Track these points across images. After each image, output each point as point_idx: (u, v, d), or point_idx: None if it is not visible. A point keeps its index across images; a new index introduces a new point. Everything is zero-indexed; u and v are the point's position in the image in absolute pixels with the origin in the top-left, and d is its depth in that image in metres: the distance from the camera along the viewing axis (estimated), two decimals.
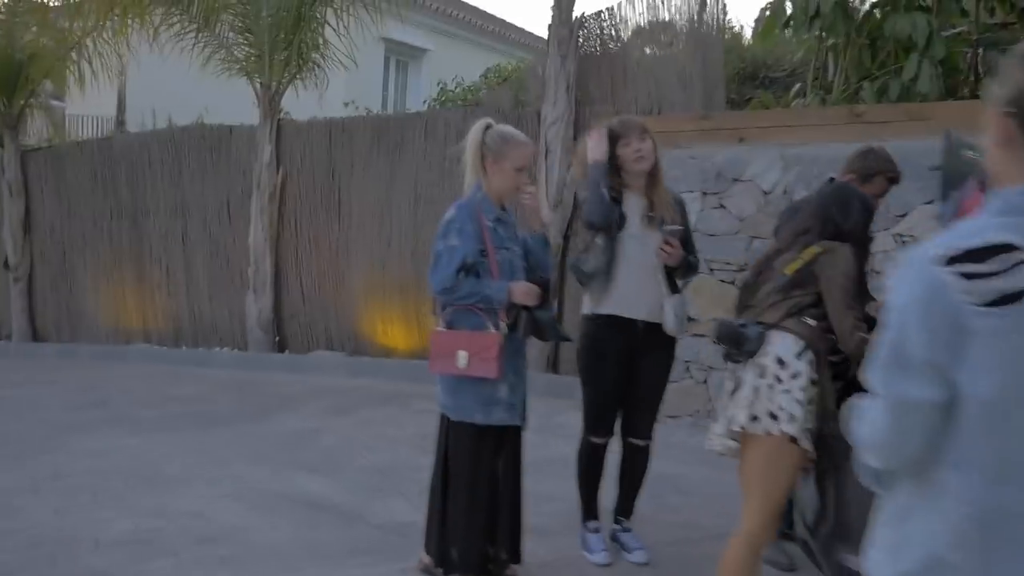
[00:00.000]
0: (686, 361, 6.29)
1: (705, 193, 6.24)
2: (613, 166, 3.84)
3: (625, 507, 4.05)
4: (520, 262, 3.48)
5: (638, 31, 7.17)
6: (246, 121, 9.70)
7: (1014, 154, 1.34)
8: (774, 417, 2.92)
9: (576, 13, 7.28)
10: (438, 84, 11.13)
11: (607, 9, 7.31)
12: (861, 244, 3.18)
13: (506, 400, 3.40)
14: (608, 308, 3.77)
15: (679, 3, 7.07)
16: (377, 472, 5.17)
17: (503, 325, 3.33)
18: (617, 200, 3.77)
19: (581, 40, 7.34)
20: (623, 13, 7.30)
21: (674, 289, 3.85)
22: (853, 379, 3.26)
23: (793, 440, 2.92)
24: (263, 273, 9.29)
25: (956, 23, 6.28)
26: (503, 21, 15.65)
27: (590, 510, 4.00)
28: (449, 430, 3.46)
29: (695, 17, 6.97)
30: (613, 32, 7.33)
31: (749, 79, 7.60)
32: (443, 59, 13.34)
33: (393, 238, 8.79)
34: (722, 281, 6.22)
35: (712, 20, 6.95)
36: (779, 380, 2.95)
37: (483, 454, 3.41)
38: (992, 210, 1.35)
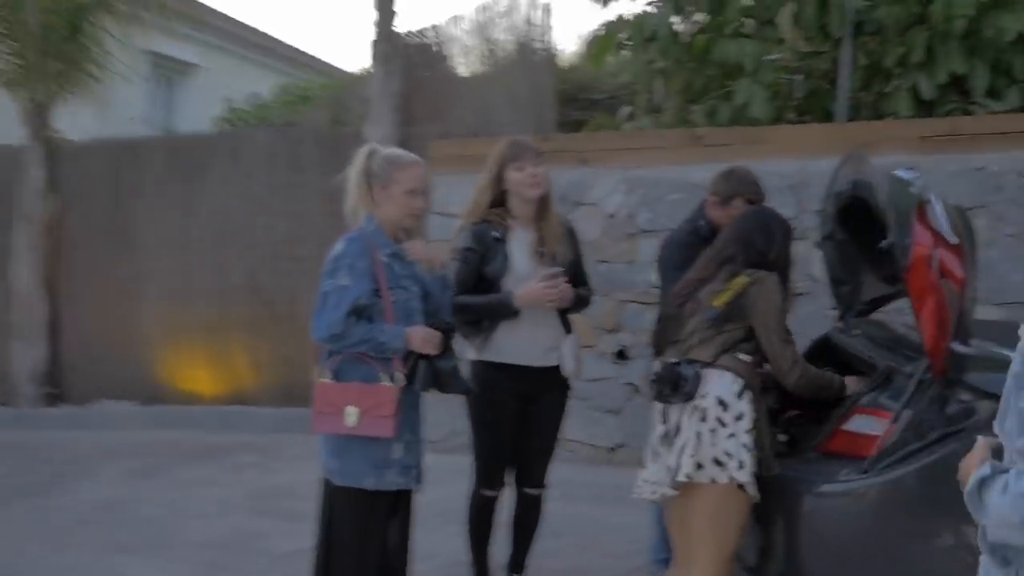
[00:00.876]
0: None
1: None
2: (499, 192, 3.51)
3: (518, 561, 3.70)
4: (418, 304, 3.05)
5: (465, 49, 6.89)
6: (11, 141, 8.45)
7: None
8: (720, 464, 2.68)
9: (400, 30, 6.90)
10: (226, 101, 10.29)
11: (432, 26, 6.98)
12: (784, 271, 3.03)
13: (401, 461, 2.95)
14: (500, 356, 3.43)
15: (505, 22, 6.86)
16: (213, 547, 4.47)
17: (399, 376, 2.89)
18: (501, 239, 3.44)
19: (406, 58, 6.95)
20: (448, 31, 6.99)
21: (568, 328, 3.56)
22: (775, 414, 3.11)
23: (739, 486, 2.70)
24: (35, 318, 8.08)
25: (772, 50, 6.47)
26: (277, 39, 14.87)
27: (482, 570, 3.62)
28: (334, 496, 2.96)
29: (522, 37, 6.78)
30: (439, 50, 7.01)
31: (570, 101, 7.50)
32: (214, 76, 12.38)
33: (195, 273, 7.91)
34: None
35: (540, 41, 6.79)
36: (722, 424, 2.72)
37: (373, 523, 2.95)
38: None
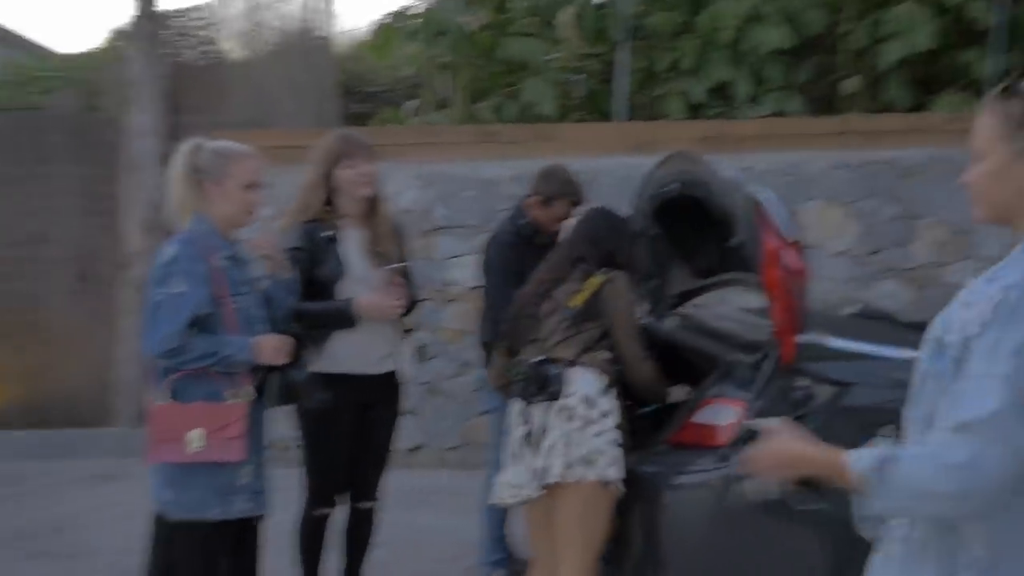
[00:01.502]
0: None
1: None
2: (328, 189, 3.30)
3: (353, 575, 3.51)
4: (259, 311, 2.78)
5: (237, 33, 6.45)
6: None
7: None
8: (589, 462, 2.68)
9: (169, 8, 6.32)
10: None
11: (196, 7, 6.45)
12: (633, 269, 3.09)
13: (250, 486, 2.69)
14: (336, 366, 3.20)
15: (281, 6, 6.50)
16: None
17: (248, 391, 2.62)
18: (333, 239, 3.24)
19: (172, 40, 6.38)
20: (218, 13, 6.50)
21: (403, 330, 3.42)
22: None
23: (606, 483, 2.72)
24: None
25: (552, 50, 6.63)
26: None
27: None
28: (172, 533, 2.64)
29: (301, 23, 6.46)
30: (207, 33, 6.49)
31: (348, 93, 7.27)
32: None
33: None
34: None
35: (320, 28, 6.50)
36: (590, 422, 2.73)
37: (219, 557, 2.66)
38: None
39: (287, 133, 6.11)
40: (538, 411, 2.79)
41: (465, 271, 5.70)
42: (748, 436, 2.56)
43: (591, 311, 2.87)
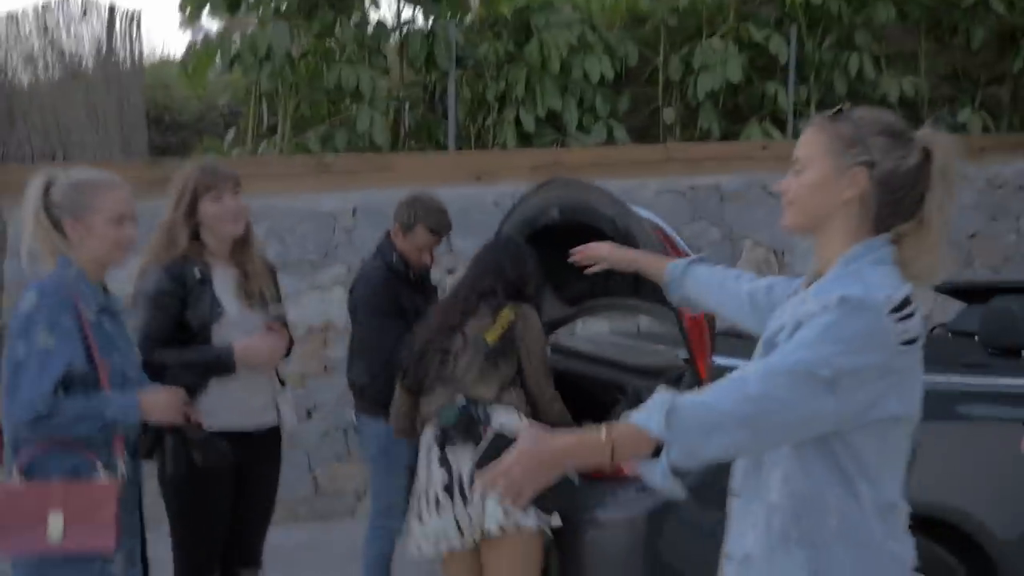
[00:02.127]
0: None
1: None
2: (193, 225, 2.97)
3: None
4: (137, 372, 2.42)
5: (29, 57, 5.77)
6: None
7: (867, 210, 1.61)
8: (526, 508, 2.54)
9: None
10: None
11: None
12: (537, 301, 2.99)
13: None
14: (211, 422, 2.83)
15: (80, 29, 5.89)
16: None
17: (123, 464, 2.26)
18: (205, 280, 2.92)
19: None
20: (3, 33, 5.79)
21: (281, 380, 3.13)
22: None
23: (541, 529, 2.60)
24: None
25: (378, 79, 6.45)
26: None
27: None
28: None
29: (103, 47, 5.88)
30: None
31: (152, 123, 6.70)
32: None
33: None
34: None
35: (127, 52, 5.94)
36: None
37: None
38: (874, 260, 1.59)
39: (118, 167, 5.54)
40: (460, 456, 2.61)
41: (306, 310, 5.38)
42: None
43: (505, 346, 2.74)
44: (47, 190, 2.36)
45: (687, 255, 2.82)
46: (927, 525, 2.81)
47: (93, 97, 5.86)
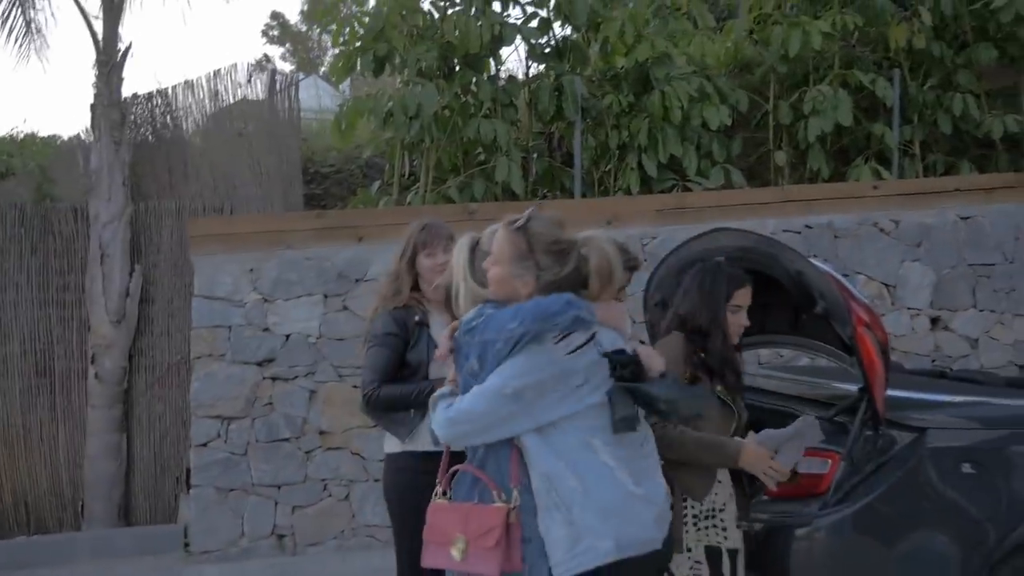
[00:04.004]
0: (323, 480, 5.75)
1: (327, 296, 5.85)
2: (413, 276, 3.45)
3: None
4: None
5: (199, 118, 6.43)
6: None
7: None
8: None
9: (127, 94, 6.22)
10: None
11: (158, 92, 6.40)
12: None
13: None
14: (423, 444, 3.23)
15: (246, 89, 6.54)
16: None
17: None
18: (423, 323, 3.37)
19: (134, 125, 6.28)
20: (180, 98, 6.47)
21: None
22: None
23: None
24: None
25: (510, 131, 6.94)
26: None
27: None
28: None
29: (267, 106, 6.51)
30: (169, 119, 6.44)
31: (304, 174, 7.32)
32: None
33: None
34: (354, 387, 5.87)
35: (284, 109, 6.56)
36: None
37: None
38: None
39: (287, 217, 6.12)
40: None
41: None
42: None
43: None
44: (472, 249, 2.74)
45: (864, 304, 3.20)
46: None
47: (255, 153, 6.47)
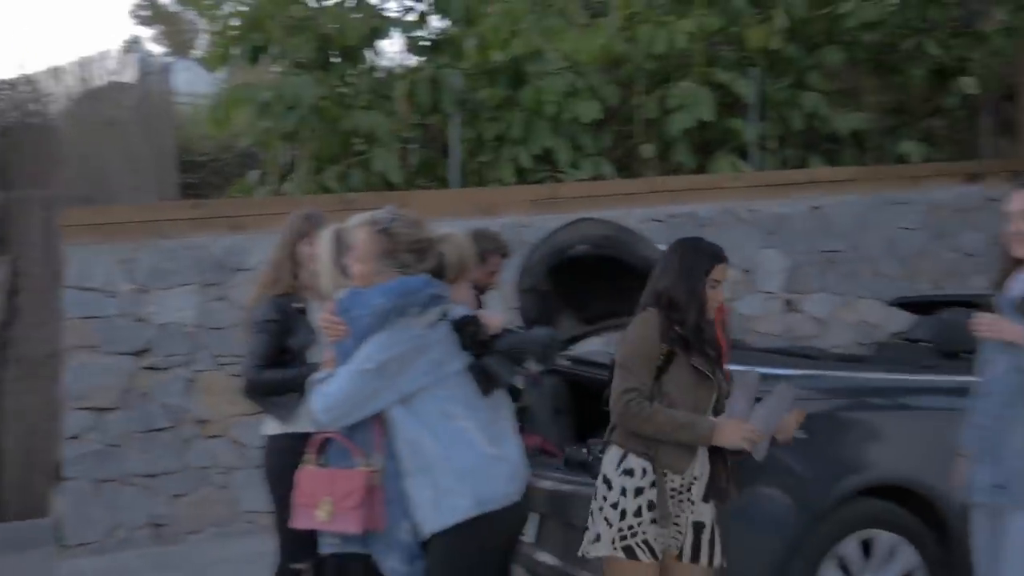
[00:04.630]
0: (202, 468, 5.77)
1: (205, 285, 5.85)
2: (294, 264, 3.57)
3: None
4: None
5: (70, 106, 6.29)
6: None
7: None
8: None
9: None
10: None
11: (24, 78, 6.23)
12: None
13: None
14: (303, 426, 3.31)
15: (117, 75, 6.43)
16: None
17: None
18: (303, 310, 3.50)
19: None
20: (47, 84, 6.31)
21: None
22: None
23: None
24: None
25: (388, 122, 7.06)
26: None
27: None
28: None
29: (138, 91, 6.43)
30: (36, 106, 6.27)
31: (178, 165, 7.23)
32: None
33: None
34: (233, 375, 5.90)
35: (157, 94, 6.49)
36: None
37: None
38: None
39: (163, 206, 6.06)
40: None
41: None
42: None
43: None
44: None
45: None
46: (898, 493, 3.55)
47: (129, 142, 6.39)
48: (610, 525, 2.82)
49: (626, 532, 2.80)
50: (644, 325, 2.93)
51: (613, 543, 2.80)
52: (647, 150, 7.52)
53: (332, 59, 6.76)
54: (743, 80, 7.63)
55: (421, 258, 2.58)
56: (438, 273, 2.63)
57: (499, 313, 2.81)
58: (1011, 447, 2.91)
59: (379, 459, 2.53)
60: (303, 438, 3.28)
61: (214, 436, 5.79)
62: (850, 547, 3.47)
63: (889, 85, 8.63)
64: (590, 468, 3.19)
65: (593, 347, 4.89)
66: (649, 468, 2.84)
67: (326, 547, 2.64)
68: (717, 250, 3.08)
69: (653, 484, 2.83)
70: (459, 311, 2.63)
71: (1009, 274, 3.02)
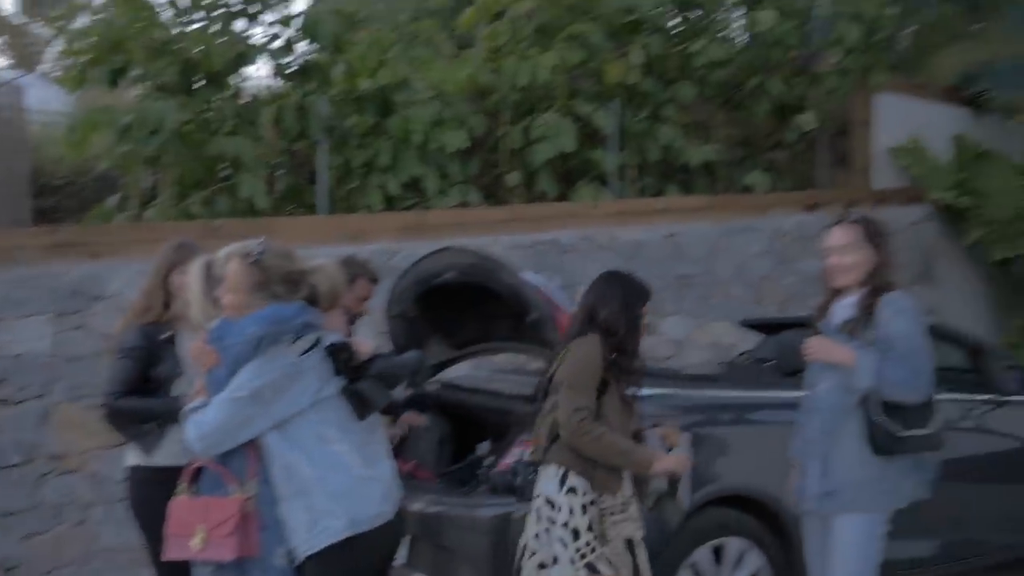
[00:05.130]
0: (57, 504, 5.55)
1: (60, 314, 5.65)
2: (166, 294, 3.55)
3: None
4: None
5: None
6: None
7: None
8: None
9: None
10: None
11: None
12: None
13: None
14: (165, 459, 3.35)
15: None
16: None
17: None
18: (171, 340, 3.50)
19: None
20: None
21: None
22: None
23: None
24: None
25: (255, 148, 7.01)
26: None
27: None
28: None
29: None
30: None
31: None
32: None
33: None
34: (90, 407, 5.70)
35: (8, 113, 6.24)
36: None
37: None
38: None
39: (15, 233, 5.81)
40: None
41: None
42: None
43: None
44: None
45: (566, 312, 3.71)
46: (741, 501, 3.83)
47: None
48: (565, 546, 2.88)
49: (585, 550, 2.88)
50: (590, 347, 3.04)
51: (573, 563, 2.87)
52: (512, 178, 7.76)
53: (196, 83, 6.67)
54: (603, 112, 7.99)
55: (294, 289, 2.66)
56: (311, 302, 2.71)
57: (370, 339, 2.91)
58: (838, 459, 3.21)
59: (253, 486, 2.58)
60: (166, 470, 3.27)
61: (70, 471, 5.58)
62: (703, 554, 3.73)
63: (736, 120, 9.20)
64: (520, 491, 3.21)
65: (461, 372, 5.03)
66: (588, 487, 2.95)
67: None
68: (648, 288, 3.27)
69: (593, 502, 2.94)
70: (332, 338, 2.72)
71: (830, 302, 3.35)
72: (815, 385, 3.37)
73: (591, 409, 2.95)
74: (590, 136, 8.24)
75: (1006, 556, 4.93)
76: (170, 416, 3.32)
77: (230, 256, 2.72)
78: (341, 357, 2.64)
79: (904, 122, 9.21)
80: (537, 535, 2.96)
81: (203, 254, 3.60)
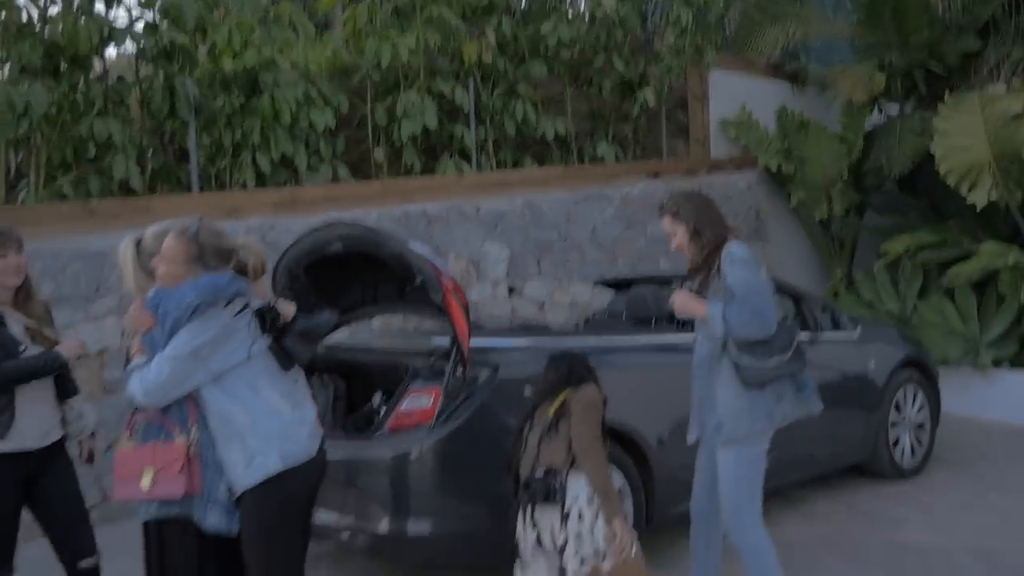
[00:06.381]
0: None
1: None
2: None
3: None
4: None
5: None
6: None
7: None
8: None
9: None
10: None
11: None
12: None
13: None
14: (15, 444, 3.40)
15: None
16: None
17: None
18: (2, 322, 3.47)
19: None
20: None
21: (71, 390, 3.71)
22: None
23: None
24: None
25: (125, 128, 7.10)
26: None
27: None
28: None
29: None
30: None
31: None
32: None
33: None
34: None
35: None
36: None
37: None
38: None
39: None
40: (545, 516, 3.36)
41: (84, 338, 6.00)
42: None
43: (560, 416, 3.46)
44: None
45: (450, 277, 4.19)
46: (612, 435, 4.44)
47: None
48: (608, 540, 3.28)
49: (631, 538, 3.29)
50: (593, 393, 3.54)
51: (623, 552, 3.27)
52: (379, 154, 8.14)
53: (59, 67, 6.71)
54: (461, 90, 8.46)
55: (224, 262, 3.04)
56: (240, 273, 3.10)
57: (291, 304, 3.31)
58: (719, 398, 3.71)
59: (194, 432, 2.96)
60: (11, 458, 3.34)
61: None
62: None
63: (585, 95, 9.88)
64: (553, 495, 3.41)
65: (343, 335, 5.44)
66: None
67: (145, 515, 3.02)
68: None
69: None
70: (258, 303, 3.12)
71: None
72: (697, 334, 3.89)
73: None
74: (451, 113, 8.70)
75: (827, 468, 5.85)
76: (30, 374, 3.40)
77: (168, 232, 3.05)
78: (268, 318, 3.04)
79: (735, 96, 10.15)
80: (579, 534, 3.30)
81: (19, 237, 3.53)
